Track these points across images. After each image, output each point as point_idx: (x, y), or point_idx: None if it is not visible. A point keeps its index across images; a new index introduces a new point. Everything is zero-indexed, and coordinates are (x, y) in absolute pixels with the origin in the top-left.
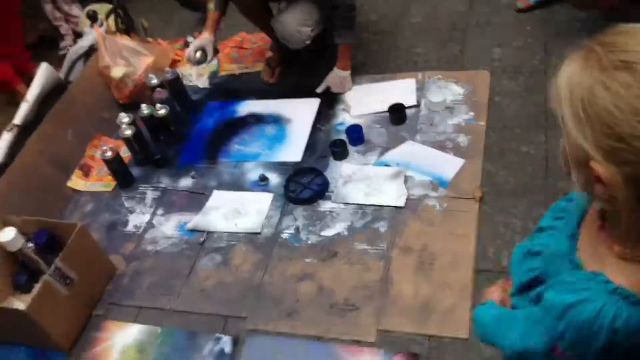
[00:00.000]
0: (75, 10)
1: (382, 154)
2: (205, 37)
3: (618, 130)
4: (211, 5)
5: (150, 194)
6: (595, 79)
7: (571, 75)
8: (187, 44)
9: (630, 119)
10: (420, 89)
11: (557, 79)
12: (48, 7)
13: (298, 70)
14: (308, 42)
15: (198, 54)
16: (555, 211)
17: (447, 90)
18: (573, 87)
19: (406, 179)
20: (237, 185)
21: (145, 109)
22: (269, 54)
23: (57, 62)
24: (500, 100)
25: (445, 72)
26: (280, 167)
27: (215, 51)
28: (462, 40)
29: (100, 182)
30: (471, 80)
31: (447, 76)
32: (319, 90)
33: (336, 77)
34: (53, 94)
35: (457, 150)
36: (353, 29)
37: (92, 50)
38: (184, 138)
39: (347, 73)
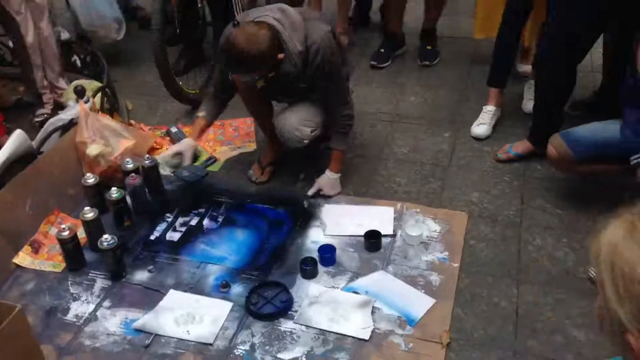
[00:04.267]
0: (61, 83)
1: (352, 279)
2: (186, 142)
3: None
4: (202, 113)
5: (100, 282)
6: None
7: (615, 244)
8: (168, 133)
9: None
10: (398, 219)
11: (599, 240)
12: (39, 75)
13: (288, 173)
14: (306, 141)
15: (176, 158)
16: None
17: (424, 225)
18: (615, 258)
19: (374, 310)
20: (196, 287)
21: (114, 192)
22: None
23: (29, 127)
24: (475, 245)
25: (424, 207)
26: (244, 275)
27: (194, 158)
28: (443, 178)
29: (49, 261)
30: (449, 219)
31: (426, 211)
32: (310, 192)
33: (327, 179)
34: (21, 161)
35: (428, 289)
36: (348, 136)
37: (71, 124)
38: (149, 227)
39: (338, 176)
